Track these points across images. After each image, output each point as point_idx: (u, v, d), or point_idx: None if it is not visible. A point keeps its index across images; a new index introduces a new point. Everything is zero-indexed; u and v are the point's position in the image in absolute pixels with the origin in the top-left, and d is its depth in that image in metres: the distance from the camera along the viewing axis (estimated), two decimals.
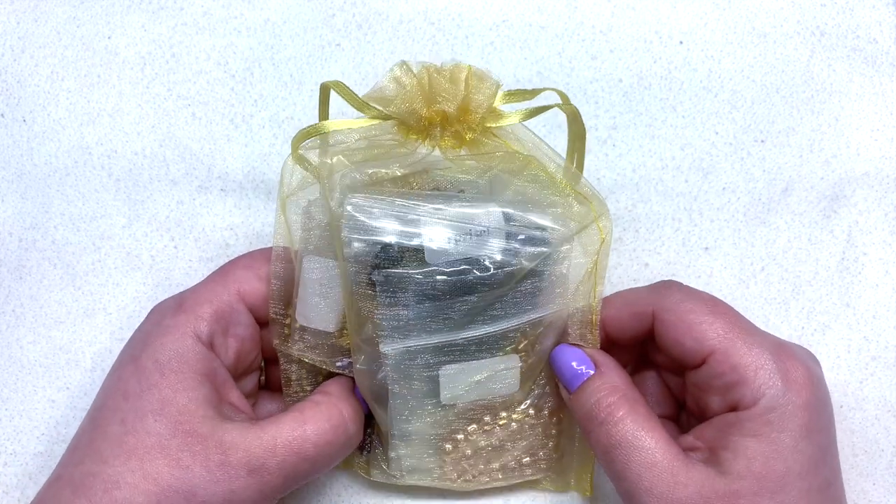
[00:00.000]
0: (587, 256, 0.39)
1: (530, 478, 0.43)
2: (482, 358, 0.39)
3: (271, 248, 0.41)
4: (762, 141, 0.50)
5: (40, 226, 0.49)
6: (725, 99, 0.50)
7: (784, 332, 0.47)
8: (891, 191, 0.49)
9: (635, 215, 0.49)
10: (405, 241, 0.37)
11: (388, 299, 0.37)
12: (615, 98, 0.50)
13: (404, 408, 0.39)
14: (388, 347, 0.38)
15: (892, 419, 0.46)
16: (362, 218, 0.37)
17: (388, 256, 0.37)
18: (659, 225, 0.49)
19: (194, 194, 0.49)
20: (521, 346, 0.39)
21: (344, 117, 0.45)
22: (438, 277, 0.37)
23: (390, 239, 0.37)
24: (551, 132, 0.49)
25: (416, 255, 0.37)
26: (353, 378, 0.40)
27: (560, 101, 0.40)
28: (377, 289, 0.37)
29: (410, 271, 0.37)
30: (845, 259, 0.48)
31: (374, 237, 0.37)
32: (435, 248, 0.37)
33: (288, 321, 0.40)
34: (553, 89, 0.40)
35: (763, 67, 0.50)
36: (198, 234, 0.49)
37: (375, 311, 0.37)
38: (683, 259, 0.49)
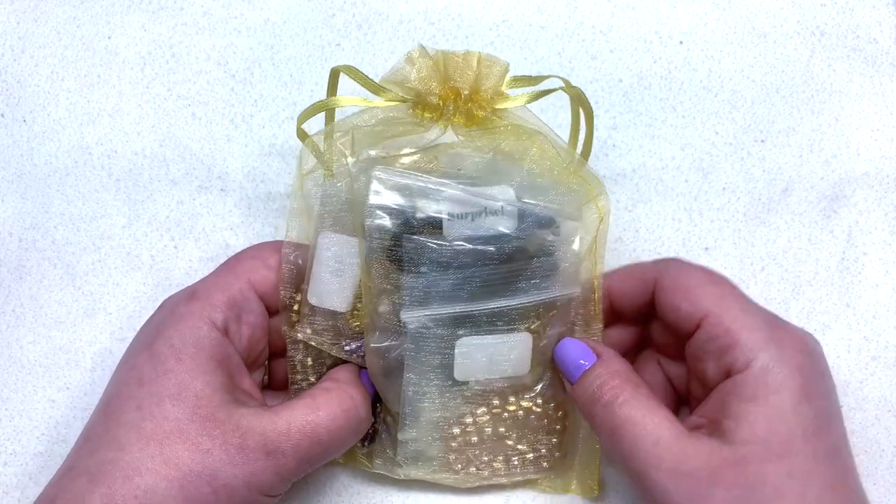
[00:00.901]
0: (588, 234, 0.41)
1: (532, 476, 0.43)
2: (497, 333, 0.39)
3: (279, 241, 0.41)
4: (762, 141, 0.50)
5: (40, 226, 0.49)
6: (725, 99, 0.50)
7: None
8: (891, 191, 0.49)
9: (635, 215, 0.49)
10: (425, 215, 0.38)
11: (410, 267, 0.38)
12: (615, 98, 0.50)
13: (418, 384, 0.40)
14: (408, 315, 0.38)
15: (892, 419, 0.46)
16: (386, 190, 0.38)
17: (410, 229, 0.38)
18: (659, 225, 0.49)
19: (194, 194, 0.49)
20: (534, 326, 0.40)
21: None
22: (459, 248, 0.38)
23: (412, 211, 0.38)
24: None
25: (435, 228, 0.38)
26: (359, 365, 0.41)
27: (563, 86, 0.40)
28: (402, 254, 0.38)
29: (434, 240, 0.38)
30: (845, 259, 0.48)
31: (396, 208, 0.38)
32: (453, 222, 0.38)
33: (297, 307, 0.41)
34: (556, 76, 0.41)
35: (763, 67, 0.50)
36: (198, 234, 0.49)
37: (397, 279, 0.38)
38: (684, 258, 0.48)
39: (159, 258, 0.48)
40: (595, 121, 0.48)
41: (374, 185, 0.38)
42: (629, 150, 0.50)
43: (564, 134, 0.42)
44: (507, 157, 0.40)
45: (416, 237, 0.38)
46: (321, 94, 0.49)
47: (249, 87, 0.50)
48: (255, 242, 0.48)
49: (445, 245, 0.38)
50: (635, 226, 0.49)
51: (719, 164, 0.49)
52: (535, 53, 0.51)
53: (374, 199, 0.38)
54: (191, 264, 0.48)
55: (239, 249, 0.47)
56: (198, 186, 0.49)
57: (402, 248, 0.38)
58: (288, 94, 0.50)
